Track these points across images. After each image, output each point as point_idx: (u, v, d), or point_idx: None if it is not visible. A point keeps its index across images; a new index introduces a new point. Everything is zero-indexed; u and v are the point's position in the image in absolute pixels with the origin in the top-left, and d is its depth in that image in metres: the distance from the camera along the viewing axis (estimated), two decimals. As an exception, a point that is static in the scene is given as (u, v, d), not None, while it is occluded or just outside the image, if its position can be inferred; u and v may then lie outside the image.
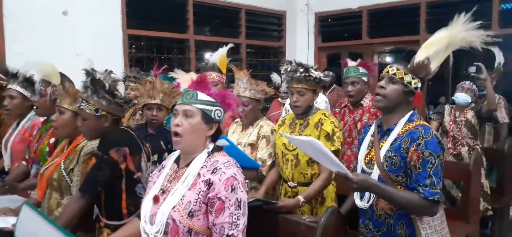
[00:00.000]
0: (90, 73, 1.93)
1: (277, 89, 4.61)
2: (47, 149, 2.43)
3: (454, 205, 3.66)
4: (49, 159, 2.26)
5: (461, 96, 3.87)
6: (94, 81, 1.94)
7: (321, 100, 3.72)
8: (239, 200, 1.46)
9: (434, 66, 1.81)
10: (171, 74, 3.26)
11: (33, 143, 2.59)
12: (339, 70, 5.67)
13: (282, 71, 2.49)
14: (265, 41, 6.30)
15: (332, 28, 6.45)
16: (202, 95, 1.56)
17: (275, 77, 5.01)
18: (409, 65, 1.81)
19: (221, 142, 2.31)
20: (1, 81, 3.05)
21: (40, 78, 2.56)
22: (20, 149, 2.70)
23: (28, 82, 2.74)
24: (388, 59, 7.58)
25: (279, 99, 4.66)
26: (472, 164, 2.79)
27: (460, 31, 1.78)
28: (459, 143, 3.84)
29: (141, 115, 2.71)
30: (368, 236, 1.88)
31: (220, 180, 1.46)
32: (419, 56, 1.81)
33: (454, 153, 3.85)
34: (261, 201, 2.05)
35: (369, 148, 1.88)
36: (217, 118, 1.59)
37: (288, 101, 4.02)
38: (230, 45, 3.27)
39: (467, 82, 4.02)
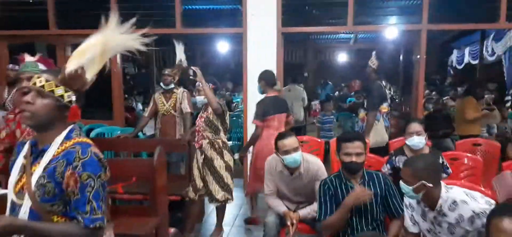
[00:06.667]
0: None
1: None
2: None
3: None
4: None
5: None
6: None
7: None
8: None
9: (90, 75, 1.62)
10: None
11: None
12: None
13: None
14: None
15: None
16: None
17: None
18: (60, 76, 1.56)
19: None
20: None
21: None
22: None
23: None
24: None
25: None
26: (156, 160, 2.87)
27: (114, 35, 1.62)
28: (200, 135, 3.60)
29: None
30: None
31: None
32: (70, 66, 1.57)
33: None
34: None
35: (21, 173, 1.60)
36: None
37: None
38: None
39: None
